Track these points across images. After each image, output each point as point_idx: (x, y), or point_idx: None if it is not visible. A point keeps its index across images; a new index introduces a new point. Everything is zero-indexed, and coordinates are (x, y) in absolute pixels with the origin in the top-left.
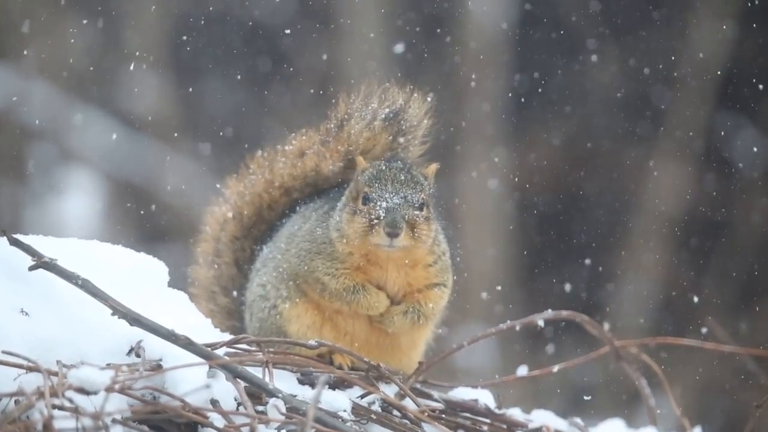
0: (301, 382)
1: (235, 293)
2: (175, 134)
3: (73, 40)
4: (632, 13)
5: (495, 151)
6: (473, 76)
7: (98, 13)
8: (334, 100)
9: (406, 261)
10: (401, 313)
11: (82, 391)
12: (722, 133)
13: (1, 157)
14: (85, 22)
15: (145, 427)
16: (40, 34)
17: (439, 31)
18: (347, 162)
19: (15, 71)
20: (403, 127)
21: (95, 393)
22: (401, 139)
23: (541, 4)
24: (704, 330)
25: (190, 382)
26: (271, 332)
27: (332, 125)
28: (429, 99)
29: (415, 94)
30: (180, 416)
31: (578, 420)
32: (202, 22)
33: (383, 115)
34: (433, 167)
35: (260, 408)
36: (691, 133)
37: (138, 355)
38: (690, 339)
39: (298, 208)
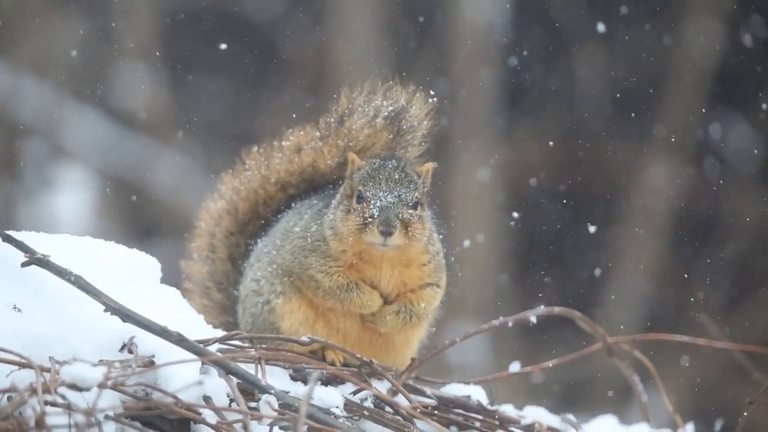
0: (293, 378)
1: (229, 289)
2: (168, 130)
3: (65, 37)
4: (625, 10)
5: (488, 148)
6: (465, 73)
7: (90, 9)
8: (335, 95)
9: (401, 260)
10: (393, 313)
11: (74, 387)
12: (715, 129)
13: None
14: (77, 18)
15: (138, 424)
16: (33, 31)
17: (431, 27)
18: (345, 158)
19: (7, 68)
20: (404, 127)
21: (88, 389)
22: (400, 139)
23: (533, 2)
24: (697, 326)
25: (182, 378)
26: (263, 327)
27: (332, 119)
28: (431, 100)
29: (418, 95)
30: (172, 412)
31: (571, 416)
32: (195, 17)
33: (385, 113)
34: (429, 166)
35: (253, 404)
36: (684, 130)
37: (130, 352)
38: (682, 335)
39: (293, 204)
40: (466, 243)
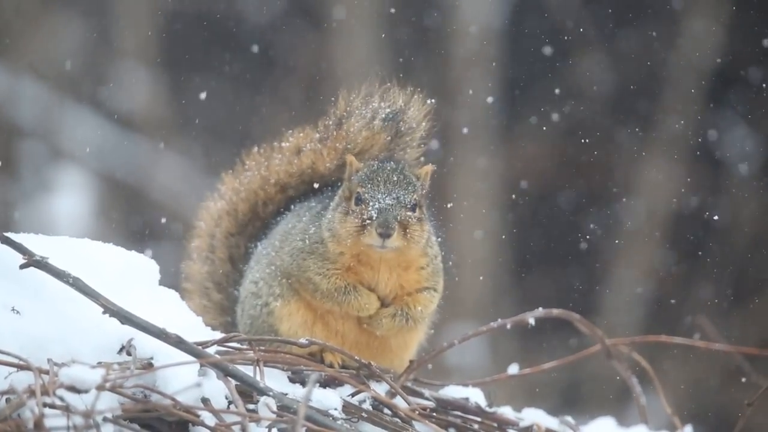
0: (291, 380)
1: (228, 289)
2: (166, 133)
3: (63, 39)
4: (623, 12)
5: (487, 150)
6: (464, 75)
7: (89, 11)
8: (334, 98)
9: (399, 262)
10: (389, 316)
11: (73, 389)
12: (713, 131)
13: None
14: (75, 20)
15: (136, 426)
16: (31, 32)
17: (430, 30)
18: (344, 160)
19: (5, 69)
20: (402, 129)
21: (86, 391)
22: (399, 141)
23: (531, 4)
24: (695, 328)
25: (181, 380)
26: (262, 330)
27: (331, 122)
28: (429, 102)
29: (416, 96)
30: (171, 414)
31: (569, 418)
32: (194, 19)
33: (383, 115)
34: (427, 168)
35: (251, 406)
36: (682, 132)
37: (129, 354)
38: (681, 337)
39: (293, 206)
40: (465, 244)
